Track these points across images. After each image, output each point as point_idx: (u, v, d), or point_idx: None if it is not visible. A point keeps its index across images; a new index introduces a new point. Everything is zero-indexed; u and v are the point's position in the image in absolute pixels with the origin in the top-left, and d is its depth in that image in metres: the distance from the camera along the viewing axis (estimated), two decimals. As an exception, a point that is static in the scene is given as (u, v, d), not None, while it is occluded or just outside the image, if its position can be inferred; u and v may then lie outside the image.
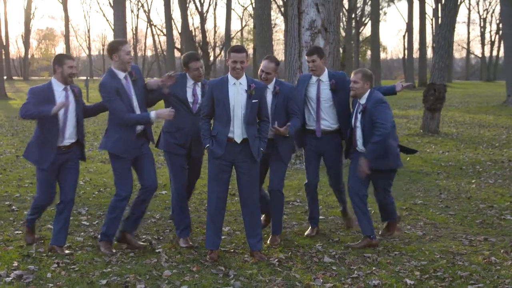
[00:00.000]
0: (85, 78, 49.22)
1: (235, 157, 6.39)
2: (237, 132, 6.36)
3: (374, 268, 6.18)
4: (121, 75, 6.65)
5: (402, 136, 18.13)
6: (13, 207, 8.79)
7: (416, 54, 60.87)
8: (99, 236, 6.93)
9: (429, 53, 69.19)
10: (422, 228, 7.89)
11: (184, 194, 7.17)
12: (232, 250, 6.83)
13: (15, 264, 6.15)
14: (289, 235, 7.47)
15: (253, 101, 6.38)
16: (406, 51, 62.50)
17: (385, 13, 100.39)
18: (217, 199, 6.48)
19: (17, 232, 7.45)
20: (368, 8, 62.74)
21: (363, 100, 6.94)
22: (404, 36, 73.91)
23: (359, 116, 6.95)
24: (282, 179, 7.14)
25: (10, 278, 5.70)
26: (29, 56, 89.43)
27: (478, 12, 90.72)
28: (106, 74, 6.67)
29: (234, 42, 75.04)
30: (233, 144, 6.36)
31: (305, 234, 7.50)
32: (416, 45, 61.76)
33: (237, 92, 6.35)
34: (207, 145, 6.40)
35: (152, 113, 6.55)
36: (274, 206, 7.15)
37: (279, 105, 6.95)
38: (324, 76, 7.34)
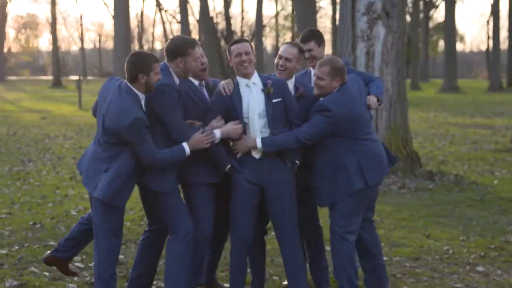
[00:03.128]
0: (76, 78, 49.08)
1: (262, 177, 6.27)
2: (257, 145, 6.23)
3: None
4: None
5: (486, 152, 17.97)
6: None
7: (503, 45, 60.36)
8: None
9: (521, 43, 68.64)
10: (517, 273, 7.81)
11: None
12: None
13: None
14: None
15: (274, 100, 6.24)
16: (490, 41, 62.08)
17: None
18: (243, 235, 6.35)
19: None
20: (440, -14, 62.65)
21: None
22: (488, 22, 73.56)
23: None
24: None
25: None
26: (5, 49, 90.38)
27: None
28: None
29: (267, 31, 75.23)
30: (255, 160, 6.27)
31: None
32: (503, 33, 61.39)
33: (252, 94, 6.27)
34: (228, 165, 6.33)
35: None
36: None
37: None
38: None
